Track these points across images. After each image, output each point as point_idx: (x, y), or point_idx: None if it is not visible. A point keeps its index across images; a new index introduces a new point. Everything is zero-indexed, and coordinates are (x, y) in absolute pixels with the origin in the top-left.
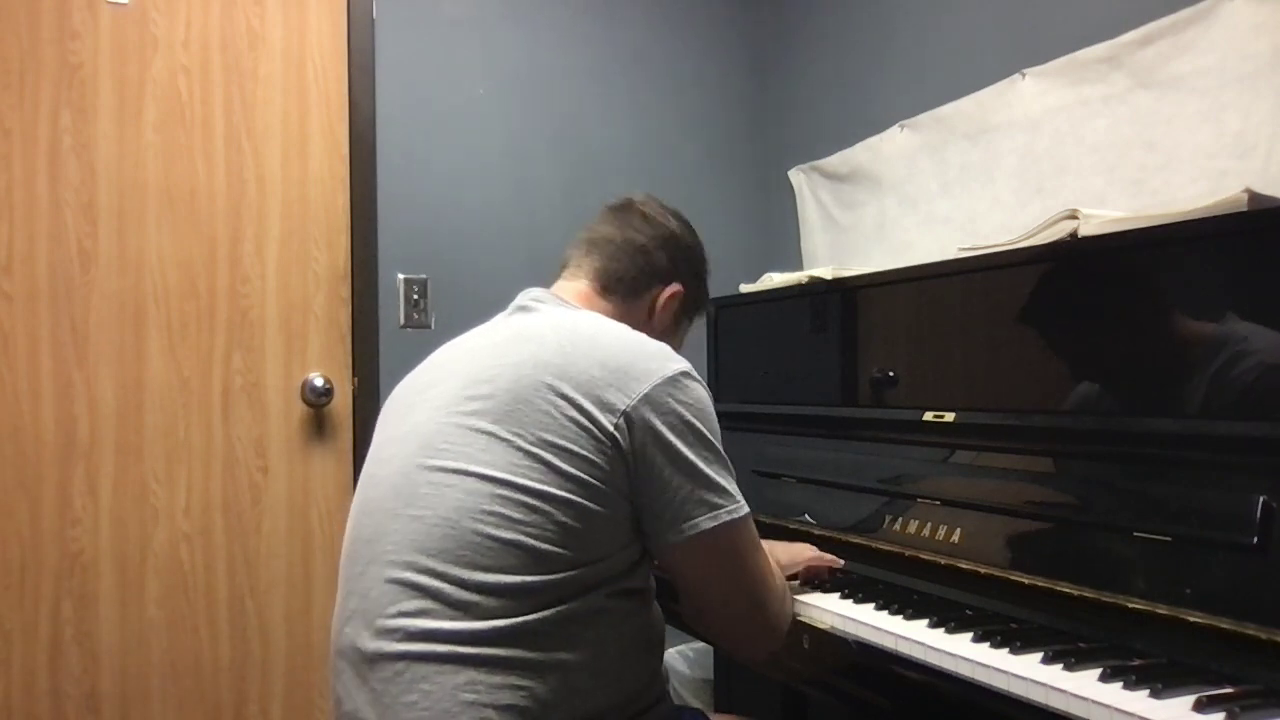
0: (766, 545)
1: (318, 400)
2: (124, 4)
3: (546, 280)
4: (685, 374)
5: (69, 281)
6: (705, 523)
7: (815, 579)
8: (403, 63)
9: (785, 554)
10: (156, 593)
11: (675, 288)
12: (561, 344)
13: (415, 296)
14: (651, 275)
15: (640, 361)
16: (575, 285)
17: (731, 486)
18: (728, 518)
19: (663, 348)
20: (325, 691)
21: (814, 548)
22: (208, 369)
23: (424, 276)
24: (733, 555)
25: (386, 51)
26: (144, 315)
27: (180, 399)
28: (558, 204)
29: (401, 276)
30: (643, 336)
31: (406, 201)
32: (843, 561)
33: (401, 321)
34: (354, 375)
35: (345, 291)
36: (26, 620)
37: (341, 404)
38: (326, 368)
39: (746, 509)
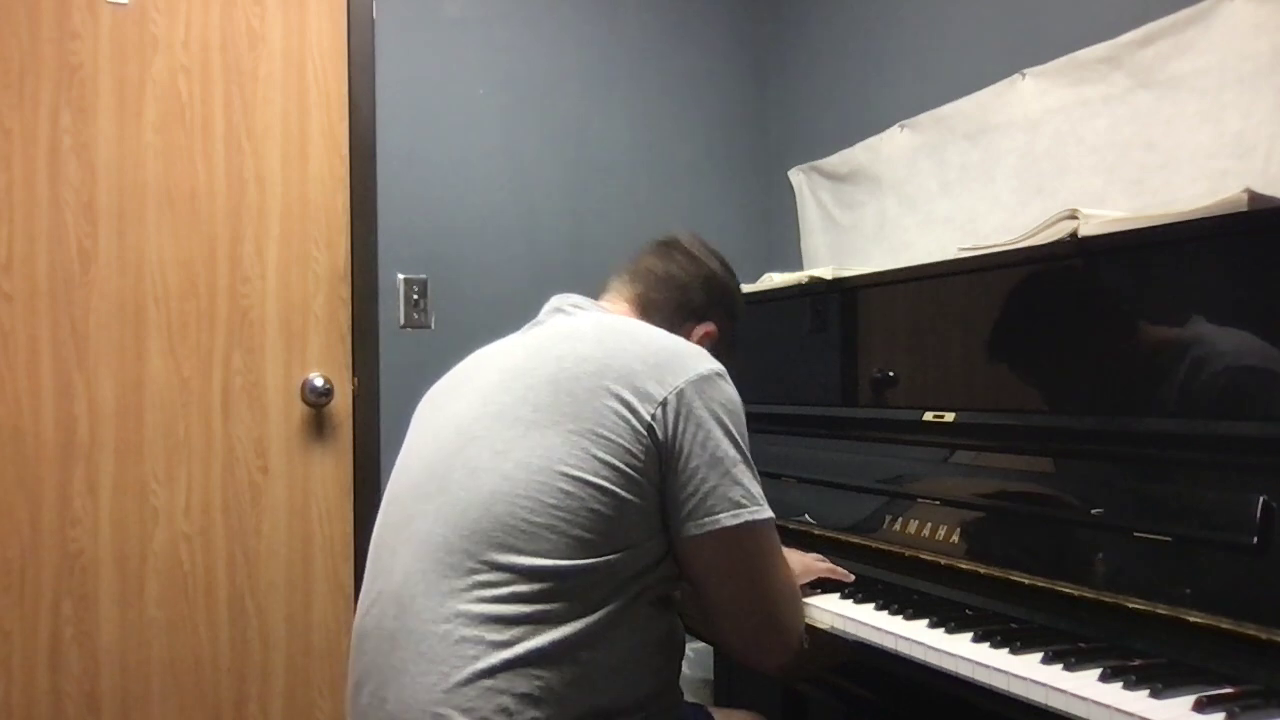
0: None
1: (318, 400)
2: (124, 4)
3: (549, 280)
4: (720, 374)
5: (69, 281)
6: (727, 519)
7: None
8: (403, 63)
9: (798, 565)
10: (156, 593)
11: (709, 327)
12: (602, 339)
13: (415, 296)
14: (688, 311)
15: (678, 358)
16: (614, 306)
17: (756, 490)
18: (749, 517)
19: (699, 348)
20: (325, 691)
21: (825, 560)
22: (208, 369)
23: (424, 276)
24: (751, 556)
25: (386, 51)
26: (144, 315)
27: (180, 399)
28: (558, 204)
29: (401, 276)
30: (680, 338)
31: (406, 201)
32: (854, 577)
33: (401, 321)
34: (354, 375)
35: (345, 291)
36: (26, 620)
37: (341, 404)
38: (326, 368)
39: (769, 513)
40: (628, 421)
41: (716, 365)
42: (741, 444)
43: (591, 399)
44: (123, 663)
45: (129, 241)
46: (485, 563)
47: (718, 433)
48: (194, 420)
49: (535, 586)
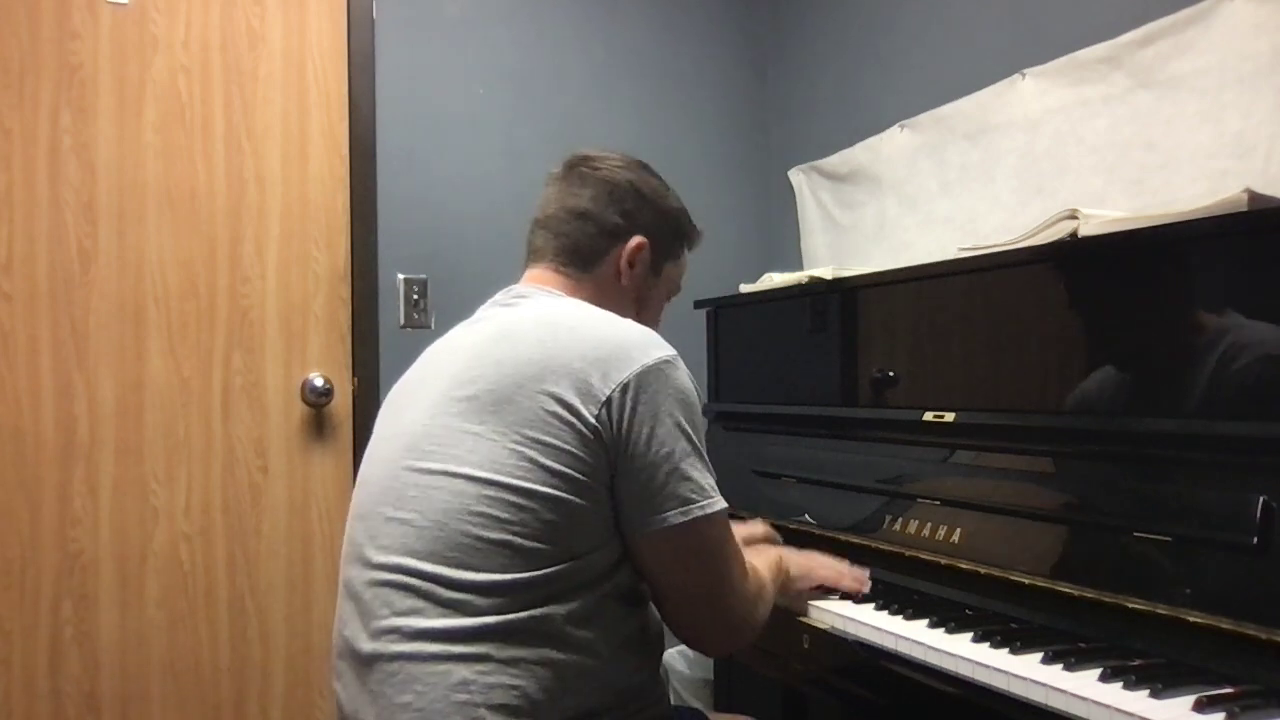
0: (781, 551)
1: (318, 400)
2: (124, 4)
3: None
4: (668, 362)
5: (69, 281)
6: (675, 517)
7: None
8: (403, 63)
9: (797, 568)
10: (156, 593)
11: (637, 240)
12: (542, 338)
13: (415, 296)
14: (605, 237)
15: (623, 350)
16: (540, 272)
17: (707, 481)
18: (699, 513)
19: (646, 334)
20: (325, 691)
21: (838, 565)
22: (208, 369)
23: (424, 276)
24: (700, 552)
25: (386, 51)
26: (144, 315)
27: (180, 399)
28: None
29: (401, 276)
30: (626, 323)
31: (406, 201)
32: (868, 587)
33: (401, 321)
34: (354, 375)
35: (345, 291)
36: (26, 620)
37: (341, 404)
38: (326, 368)
39: (721, 504)
40: (572, 426)
41: (665, 352)
42: (692, 435)
43: (534, 406)
44: (123, 663)
45: (129, 241)
46: (444, 582)
47: (665, 426)
48: (194, 420)
49: (496, 600)
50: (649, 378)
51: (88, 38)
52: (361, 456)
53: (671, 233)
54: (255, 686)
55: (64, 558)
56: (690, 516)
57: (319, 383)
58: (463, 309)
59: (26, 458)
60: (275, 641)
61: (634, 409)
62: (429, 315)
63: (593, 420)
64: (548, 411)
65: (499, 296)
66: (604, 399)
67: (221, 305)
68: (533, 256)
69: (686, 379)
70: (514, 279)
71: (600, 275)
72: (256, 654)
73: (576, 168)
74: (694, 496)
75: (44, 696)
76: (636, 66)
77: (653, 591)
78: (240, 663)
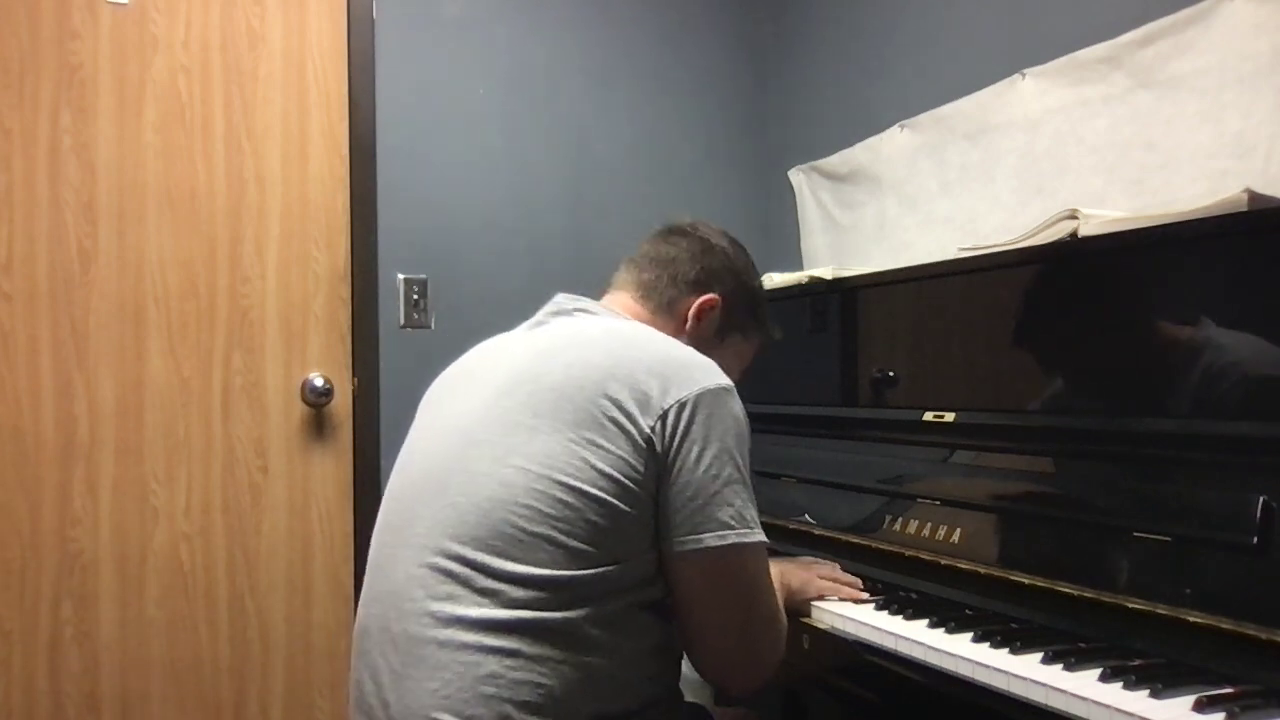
0: (780, 566)
1: (318, 400)
2: (124, 4)
3: (549, 280)
4: (727, 390)
5: (69, 281)
6: (711, 540)
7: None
8: (403, 63)
9: (798, 580)
10: (156, 593)
11: (710, 296)
12: (611, 348)
13: (415, 296)
14: (684, 285)
15: (686, 370)
16: (615, 296)
17: (749, 513)
18: (736, 539)
19: (709, 361)
20: (325, 691)
21: (830, 570)
22: (208, 369)
23: (424, 276)
24: (733, 581)
25: (386, 51)
26: (144, 315)
27: (180, 399)
28: (558, 204)
29: (401, 276)
30: (691, 349)
31: (406, 201)
32: (865, 596)
33: (401, 321)
34: (354, 375)
35: (345, 291)
36: (26, 620)
37: (341, 404)
38: (326, 368)
39: (759, 537)
40: (628, 433)
41: (724, 381)
42: (740, 463)
43: (594, 409)
44: (123, 663)
45: (129, 241)
46: (483, 570)
47: (714, 449)
48: (194, 420)
49: (532, 594)
50: (707, 400)
51: (88, 38)
52: (361, 456)
53: (746, 307)
54: (255, 686)
55: (64, 558)
56: (726, 542)
57: (319, 383)
58: (463, 309)
59: (26, 458)
60: (275, 641)
61: (688, 427)
62: (429, 315)
63: (647, 430)
64: (607, 416)
65: (562, 300)
66: (661, 412)
67: (221, 305)
68: (614, 285)
69: (743, 412)
70: (514, 278)
71: (668, 321)
72: (256, 654)
73: (681, 227)
74: (733, 523)
75: (44, 696)
76: (637, 66)
77: (680, 619)
78: (240, 663)
